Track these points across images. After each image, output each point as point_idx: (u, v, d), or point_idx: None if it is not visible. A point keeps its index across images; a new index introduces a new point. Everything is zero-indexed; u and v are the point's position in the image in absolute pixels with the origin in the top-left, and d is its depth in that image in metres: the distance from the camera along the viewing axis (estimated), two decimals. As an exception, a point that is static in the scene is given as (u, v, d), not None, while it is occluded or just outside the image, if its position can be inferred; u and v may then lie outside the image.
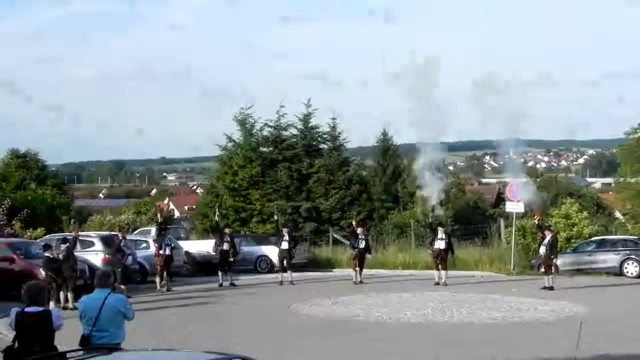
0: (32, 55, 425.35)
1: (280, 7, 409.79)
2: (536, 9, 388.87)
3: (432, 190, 26.74)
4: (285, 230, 25.30)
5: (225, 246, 24.41)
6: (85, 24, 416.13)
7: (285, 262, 24.73)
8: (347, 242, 28.99)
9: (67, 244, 19.02)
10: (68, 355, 5.66)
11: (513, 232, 28.39)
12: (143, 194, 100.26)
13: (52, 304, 16.23)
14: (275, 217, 27.08)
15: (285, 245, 24.73)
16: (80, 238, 22.81)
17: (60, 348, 7.10)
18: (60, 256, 18.54)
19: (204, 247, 28.57)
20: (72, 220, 25.63)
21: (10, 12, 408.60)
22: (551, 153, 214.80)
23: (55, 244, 19.56)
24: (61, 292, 18.40)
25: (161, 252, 22.84)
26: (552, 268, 22.34)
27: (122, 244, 21.59)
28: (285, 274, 24.63)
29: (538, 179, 67.68)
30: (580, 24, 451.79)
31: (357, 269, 24.39)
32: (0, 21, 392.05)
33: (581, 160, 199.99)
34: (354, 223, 25.77)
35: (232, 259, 24.52)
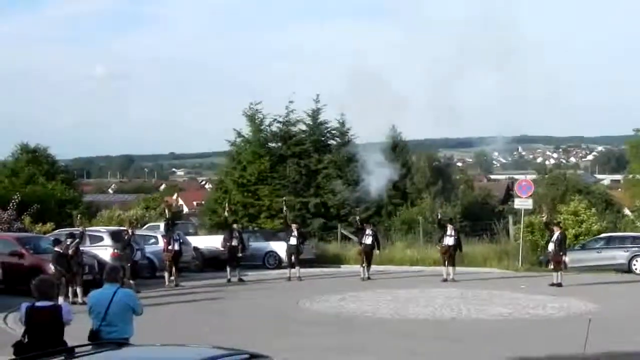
0: (44, 50, 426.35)
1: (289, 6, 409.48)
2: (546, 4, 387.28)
3: None
4: (294, 226, 25.32)
5: (234, 242, 24.47)
6: (95, 21, 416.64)
7: (293, 257, 24.77)
8: (355, 238, 29.05)
9: (77, 239, 19.08)
10: (77, 349, 5.68)
11: (521, 228, 28.33)
12: (152, 189, 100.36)
13: (61, 299, 16.31)
14: (284, 213, 27.09)
15: (293, 241, 24.77)
16: (90, 233, 22.94)
17: (70, 342, 7.13)
18: (70, 251, 18.61)
19: (212, 242, 28.54)
20: (79, 215, 25.68)
21: (21, 8, 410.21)
22: (560, 149, 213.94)
23: (63, 239, 19.63)
24: (70, 287, 18.47)
25: (170, 247, 22.89)
26: (561, 265, 22.32)
27: (131, 239, 21.67)
28: (293, 270, 24.66)
29: (546, 175, 67.45)
30: (583, 20, 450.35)
31: (365, 264, 24.42)
32: (11, 17, 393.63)
33: (590, 157, 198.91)
34: (357, 219, 25.93)
35: (240, 255, 24.60)
